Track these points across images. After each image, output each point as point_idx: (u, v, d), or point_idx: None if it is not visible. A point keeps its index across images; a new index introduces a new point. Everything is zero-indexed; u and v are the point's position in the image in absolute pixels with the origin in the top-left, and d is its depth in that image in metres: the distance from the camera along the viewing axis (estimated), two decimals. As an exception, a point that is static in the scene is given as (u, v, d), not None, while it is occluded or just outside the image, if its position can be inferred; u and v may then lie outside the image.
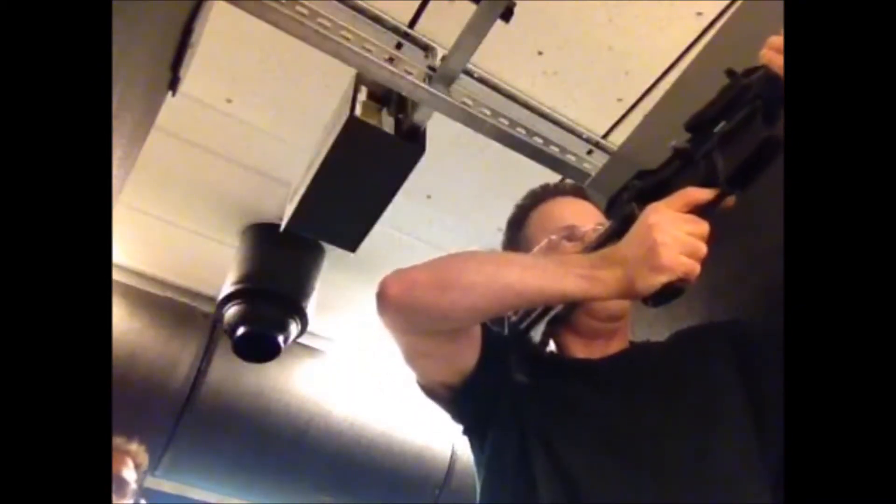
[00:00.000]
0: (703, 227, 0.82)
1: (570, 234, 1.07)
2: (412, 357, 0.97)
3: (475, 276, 0.85)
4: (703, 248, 0.81)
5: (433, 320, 0.88)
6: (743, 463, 0.90)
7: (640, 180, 0.95)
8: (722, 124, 0.84)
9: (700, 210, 0.84)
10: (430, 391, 0.99)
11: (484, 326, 0.96)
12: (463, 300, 0.85)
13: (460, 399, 0.97)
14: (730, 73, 0.84)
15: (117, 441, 2.16)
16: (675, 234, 0.80)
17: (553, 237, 1.08)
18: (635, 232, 0.83)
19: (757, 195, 0.84)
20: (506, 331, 1.01)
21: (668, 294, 0.81)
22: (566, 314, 0.98)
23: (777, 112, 0.78)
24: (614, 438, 0.93)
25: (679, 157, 0.90)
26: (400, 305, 0.87)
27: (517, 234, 1.15)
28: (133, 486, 2.21)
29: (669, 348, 1.08)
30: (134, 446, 2.22)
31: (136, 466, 2.22)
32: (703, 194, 0.84)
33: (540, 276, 0.85)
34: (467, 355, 0.94)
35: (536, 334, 0.97)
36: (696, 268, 0.80)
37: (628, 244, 0.83)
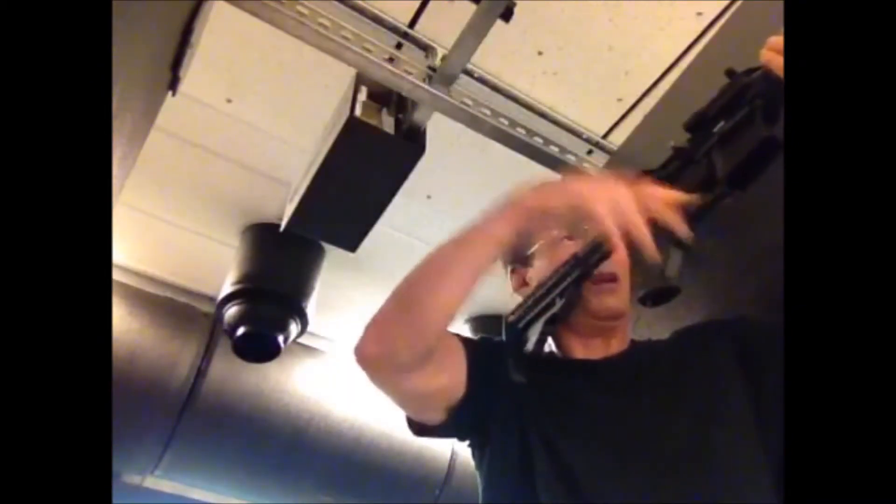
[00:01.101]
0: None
1: (571, 233, 1.07)
2: (408, 400, 0.98)
3: (427, 282, 0.90)
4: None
5: (417, 339, 0.89)
6: (745, 461, 0.90)
7: None
8: (721, 124, 0.84)
9: (699, 210, 0.83)
10: (425, 429, 1.00)
11: (466, 346, 0.97)
12: (429, 302, 0.88)
13: (457, 422, 0.97)
14: (729, 72, 0.84)
15: None
16: (598, 188, 0.84)
17: (554, 234, 1.08)
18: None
19: (756, 195, 0.84)
20: (503, 331, 1.01)
21: (663, 294, 0.81)
22: (564, 313, 0.98)
23: (777, 112, 0.78)
24: (615, 437, 0.92)
25: (679, 156, 0.90)
26: (383, 351, 0.89)
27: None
28: None
29: (671, 346, 1.08)
30: None
31: None
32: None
33: (471, 244, 0.90)
34: (456, 380, 0.95)
35: (534, 333, 0.97)
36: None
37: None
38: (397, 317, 0.91)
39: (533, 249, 1.10)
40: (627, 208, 0.81)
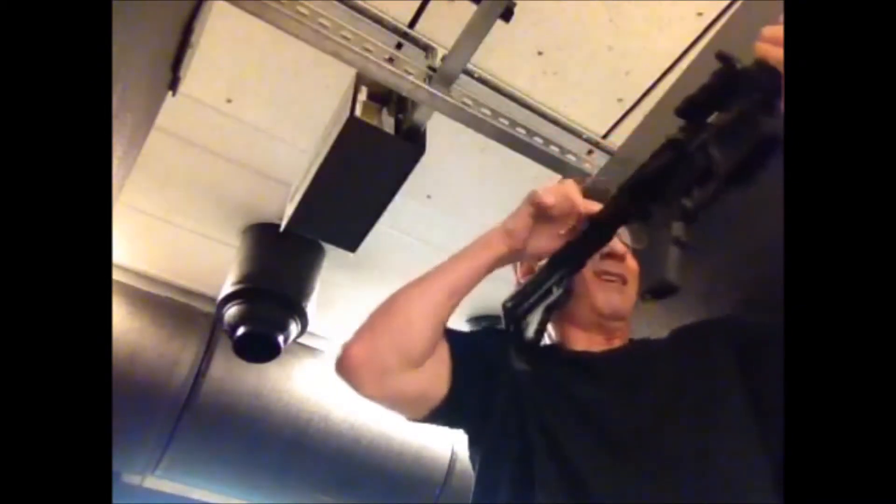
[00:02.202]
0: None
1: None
2: (395, 404, 0.98)
3: (411, 291, 0.95)
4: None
5: (401, 349, 0.90)
6: (743, 461, 0.90)
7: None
8: (716, 115, 0.81)
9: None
10: (424, 421, 0.99)
11: (452, 342, 0.97)
12: (412, 313, 0.92)
13: (441, 418, 0.97)
14: (721, 56, 0.80)
15: None
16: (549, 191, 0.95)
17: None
18: None
19: (755, 194, 0.84)
20: (503, 320, 1.01)
21: (661, 290, 0.81)
22: (562, 301, 0.98)
23: (775, 105, 0.77)
24: (614, 435, 0.92)
25: (672, 147, 0.87)
26: (366, 357, 0.90)
27: None
28: None
29: (669, 345, 1.08)
30: None
31: None
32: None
33: (463, 263, 0.97)
34: (438, 380, 0.95)
35: (534, 321, 0.97)
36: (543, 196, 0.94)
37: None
38: (383, 320, 0.93)
39: None
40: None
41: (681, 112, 0.84)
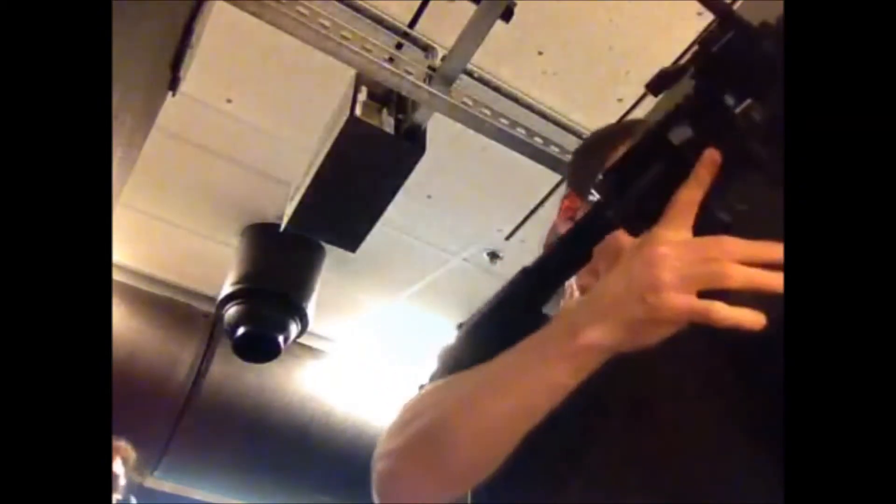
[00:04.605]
0: (720, 245, 0.64)
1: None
2: None
3: (457, 433, 0.70)
4: (727, 272, 0.63)
5: (445, 488, 0.77)
6: (745, 465, 0.90)
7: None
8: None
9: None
10: None
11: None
12: (458, 465, 0.72)
13: None
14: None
15: None
16: (682, 268, 0.63)
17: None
18: (628, 269, 0.64)
19: (756, 197, 0.84)
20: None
21: None
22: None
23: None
24: (613, 444, 0.92)
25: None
26: (403, 495, 0.79)
27: (591, 163, 0.95)
28: (122, 480, 2.30)
29: (669, 348, 1.08)
30: (122, 443, 2.30)
31: (124, 461, 2.31)
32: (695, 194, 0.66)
33: (519, 391, 0.68)
34: None
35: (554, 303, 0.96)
36: (715, 307, 0.64)
37: (622, 284, 0.64)
38: (416, 465, 0.75)
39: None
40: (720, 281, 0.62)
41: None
